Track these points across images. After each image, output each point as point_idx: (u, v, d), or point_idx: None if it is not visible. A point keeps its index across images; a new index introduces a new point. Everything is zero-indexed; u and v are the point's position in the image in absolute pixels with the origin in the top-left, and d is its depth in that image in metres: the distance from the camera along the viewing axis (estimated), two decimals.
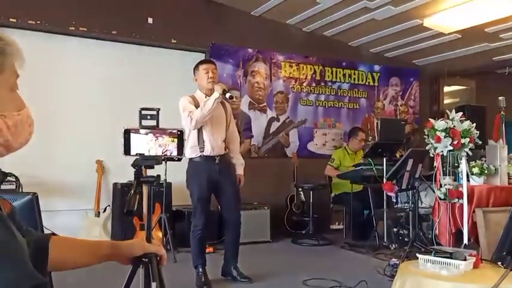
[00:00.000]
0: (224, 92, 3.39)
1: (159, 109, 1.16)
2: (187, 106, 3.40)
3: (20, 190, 4.13)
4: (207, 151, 3.42)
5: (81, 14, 4.77)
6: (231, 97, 3.49)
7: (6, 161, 4.39)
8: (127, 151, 1.13)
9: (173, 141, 1.15)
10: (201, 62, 3.67)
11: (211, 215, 3.68)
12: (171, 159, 3.07)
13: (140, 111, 1.14)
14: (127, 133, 1.13)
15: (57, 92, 4.81)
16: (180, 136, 1.15)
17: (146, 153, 1.13)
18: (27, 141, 0.90)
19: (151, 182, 1.13)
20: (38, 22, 4.60)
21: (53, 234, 1.08)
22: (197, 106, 3.41)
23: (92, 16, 4.82)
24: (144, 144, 1.13)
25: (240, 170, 3.64)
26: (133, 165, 1.13)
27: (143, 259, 1.11)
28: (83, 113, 4.89)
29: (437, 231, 3.48)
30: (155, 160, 1.15)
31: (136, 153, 1.13)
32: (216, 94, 3.36)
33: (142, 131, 1.13)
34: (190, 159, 3.49)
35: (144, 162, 1.13)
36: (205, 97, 3.47)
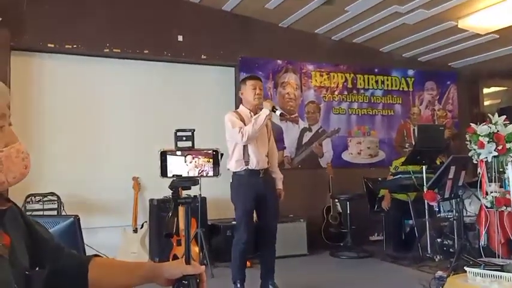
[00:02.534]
0: (274, 109, 3.44)
1: (193, 130, 1.16)
2: (236, 121, 3.45)
3: (62, 209, 4.26)
4: (252, 165, 3.45)
5: (114, 36, 4.93)
6: (281, 114, 3.57)
7: (48, 181, 4.56)
8: (164, 173, 1.13)
9: (209, 161, 1.14)
10: (249, 78, 3.71)
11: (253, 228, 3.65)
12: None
13: (175, 133, 1.14)
14: (163, 155, 1.13)
15: (95, 113, 4.97)
16: (215, 156, 1.14)
17: (183, 175, 1.13)
18: (24, 175, 0.92)
19: (189, 203, 1.13)
20: (75, 46, 4.79)
21: (96, 255, 1.10)
22: (242, 121, 3.47)
23: (124, 37, 4.97)
24: (180, 165, 1.13)
25: (280, 184, 3.66)
26: (170, 187, 1.13)
27: (183, 281, 1.10)
28: (118, 132, 5.02)
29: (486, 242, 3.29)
30: (192, 181, 1.14)
31: (173, 175, 1.13)
32: (267, 111, 3.41)
33: (178, 152, 1.14)
34: (235, 172, 3.52)
35: (180, 183, 1.13)
36: (250, 112, 3.52)
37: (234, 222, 5.14)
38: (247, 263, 4.29)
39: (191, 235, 4.42)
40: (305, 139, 5.95)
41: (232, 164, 3.50)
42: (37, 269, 0.93)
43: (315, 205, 5.51)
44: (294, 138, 5.87)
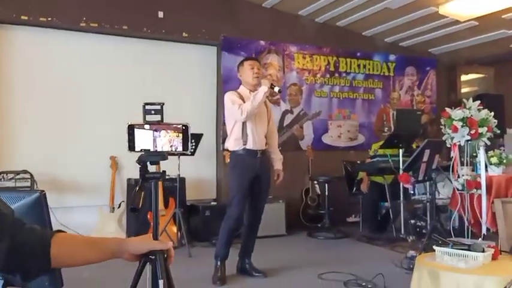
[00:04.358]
0: (272, 86, 3.47)
1: (163, 103, 1.14)
2: (236, 99, 3.47)
3: (35, 187, 4.19)
4: (250, 144, 3.47)
5: (91, 10, 4.79)
6: (279, 91, 3.61)
7: (21, 158, 4.47)
8: (131, 147, 1.12)
9: (178, 136, 1.13)
10: (246, 59, 3.75)
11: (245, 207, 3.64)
12: (172, 154, 3.07)
13: (144, 106, 1.13)
14: (131, 129, 1.11)
15: (70, 89, 4.85)
16: (185, 131, 1.13)
17: (151, 149, 1.12)
18: None
19: (157, 178, 1.12)
20: (49, 19, 4.63)
21: (60, 231, 1.07)
22: (242, 100, 3.48)
23: (102, 12, 4.84)
24: (148, 139, 1.12)
25: (279, 165, 3.69)
26: (138, 161, 1.12)
27: (150, 256, 1.10)
28: (95, 109, 4.92)
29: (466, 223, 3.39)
30: (160, 156, 1.13)
31: (141, 149, 1.12)
32: (265, 88, 3.43)
33: (146, 126, 1.12)
34: (233, 151, 3.55)
35: (149, 158, 1.12)
36: (249, 93, 3.53)
37: (213, 203, 5.22)
38: None
39: (169, 215, 4.43)
40: (286, 121, 5.96)
41: (231, 142, 3.53)
42: None
43: (294, 187, 5.56)
44: (275, 120, 5.84)
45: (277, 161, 3.69)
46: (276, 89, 3.49)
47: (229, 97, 3.50)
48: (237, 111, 3.41)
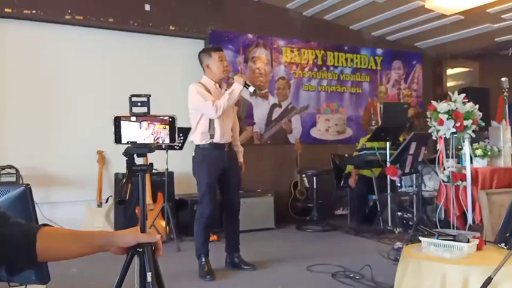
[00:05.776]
0: (246, 85, 3.36)
1: (149, 95, 1.13)
2: (207, 94, 3.35)
3: (21, 182, 4.13)
4: (217, 138, 3.40)
5: (77, 2, 4.72)
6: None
7: (7, 153, 4.40)
8: (118, 139, 1.11)
9: (165, 128, 1.12)
10: (215, 49, 3.55)
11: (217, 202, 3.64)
12: (160, 146, 3.04)
13: (130, 98, 1.12)
14: (117, 121, 1.11)
15: (55, 82, 4.78)
16: (171, 123, 1.12)
17: (138, 141, 1.11)
18: None
19: (144, 171, 1.11)
20: (34, 11, 4.55)
21: (46, 225, 1.06)
22: (209, 93, 3.38)
23: (88, 4, 4.77)
24: (135, 131, 1.11)
25: (241, 157, 3.65)
26: (124, 153, 1.11)
27: (138, 249, 1.09)
28: (82, 103, 4.86)
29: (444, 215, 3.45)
30: (147, 148, 1.12)
31: (128, 141, 1.11)
32: (240, 86, 3.34)
33: (132, 118, 1.11)
34: (198, 145, 3.45)
35: (135, 150, 1.11)
36: (214, 84, 3.44)
37: None
38: (214, 236, 4.35)
39: (158, 209, 4.41)
40: (275, 115, 5.97)
41: (197, 136, 3.42)
42: None
43: (282, 180, 5.59)
44: (263, 114, 5.88)
45: (239, 153, 3.62)
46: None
47: (198, 91, 3.36)
48: (211, 108, 3.29)
